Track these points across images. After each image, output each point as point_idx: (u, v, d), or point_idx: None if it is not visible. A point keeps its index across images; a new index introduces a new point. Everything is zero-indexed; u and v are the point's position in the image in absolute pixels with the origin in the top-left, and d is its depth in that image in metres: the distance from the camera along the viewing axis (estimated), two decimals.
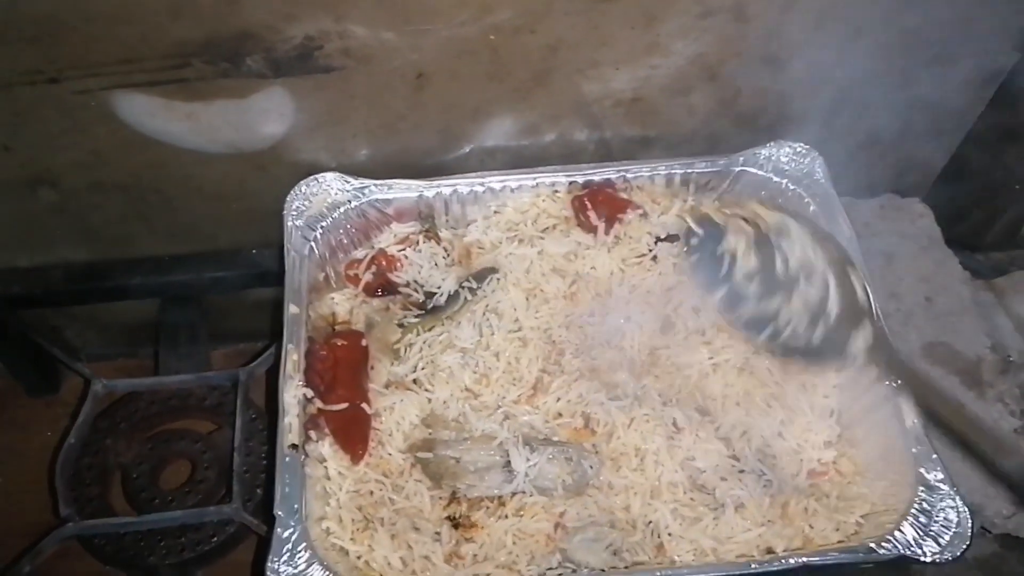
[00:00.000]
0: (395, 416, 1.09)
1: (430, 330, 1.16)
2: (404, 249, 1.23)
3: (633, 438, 1.06)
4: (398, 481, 1.05)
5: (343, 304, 1.21)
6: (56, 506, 1.19)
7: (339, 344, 1.10)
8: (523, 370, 1.13)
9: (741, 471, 1.05)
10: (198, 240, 1.32)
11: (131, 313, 1.41)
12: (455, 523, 1.03)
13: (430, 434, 1.07)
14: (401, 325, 1.16)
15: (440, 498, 1.05)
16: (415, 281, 1.21)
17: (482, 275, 1.20)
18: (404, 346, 1.14)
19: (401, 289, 1.20)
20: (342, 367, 1.08)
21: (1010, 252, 1.57)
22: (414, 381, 1.12)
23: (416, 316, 1.17)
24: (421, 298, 1.19)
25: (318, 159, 1.24)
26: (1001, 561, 1.26)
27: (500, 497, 1.04)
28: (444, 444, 1.06)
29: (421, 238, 1.24)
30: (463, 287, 1.18)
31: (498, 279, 1.19)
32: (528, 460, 1.04)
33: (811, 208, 1.21)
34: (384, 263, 1.22)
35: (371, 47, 1.09)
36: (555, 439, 1.07)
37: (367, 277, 1.21)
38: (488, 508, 1.04)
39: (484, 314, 1.17)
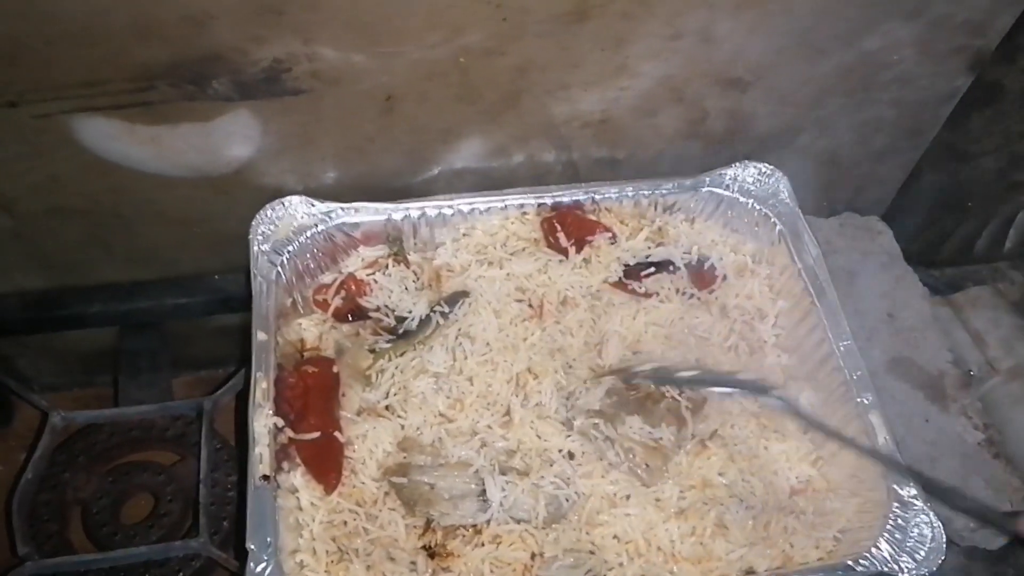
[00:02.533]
0: (368, 444, 1.07)
1: (402, 355, 1.14)
2: (373, 273, 1.21)
3: (610, 475, 1.06)
4: (372, 510, 1.03)
5: (311, 330, 1.18)
6: (13, 544, 1.14)
7: (309, 371, 1.08)
8: (496, 395, 1.12)
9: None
10: (159, 266, 1.29)
11: (88, 341, 1.37)
12: (431, 552, 1.01)
13: (405, 459, 1.06)
14: (372, 351, 1.14)
15: (415, 527, 1.03)
16: (385, 306, 1.19)
17: (453, 299, 1.19)
18: (376, 372, 1.13)
19: (371, 314, 1.19)
20: (313, 395, 1.06)
21: (964, 268, 1.61)
22: (387, 407, 1.10)
23: (388, 341, 1.15)
24: (392, 323, 1.17)
25: (284, 182, 1.22)
26: (968, 573, 1.28)
27: (476, 526, 1.03)
28: (419, 469, 1.05)
29: (390, 262, 1.22)
30: (434, 311, 1.17)
31: (470, 303, 1.18)
32: (503, 490, 1.03)
33: (777, 228, 1.22)
34: (353, 288, 1.20)
35: (340, 69, 1.08)
36: (531, 469, 1.06)
37: (336, 302, 1.19)
38: (464, 537, 1.02)
39: (456, 338, 1.15)
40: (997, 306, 1.46)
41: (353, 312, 1.19)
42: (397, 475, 1.04)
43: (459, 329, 1.16)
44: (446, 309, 1.17)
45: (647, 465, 1.05)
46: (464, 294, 1.19)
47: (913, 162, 1.48)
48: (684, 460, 1.06)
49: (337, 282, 1.20)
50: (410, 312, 1.18)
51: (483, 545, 1.01)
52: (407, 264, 1.23)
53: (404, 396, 1.11)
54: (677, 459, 1.06)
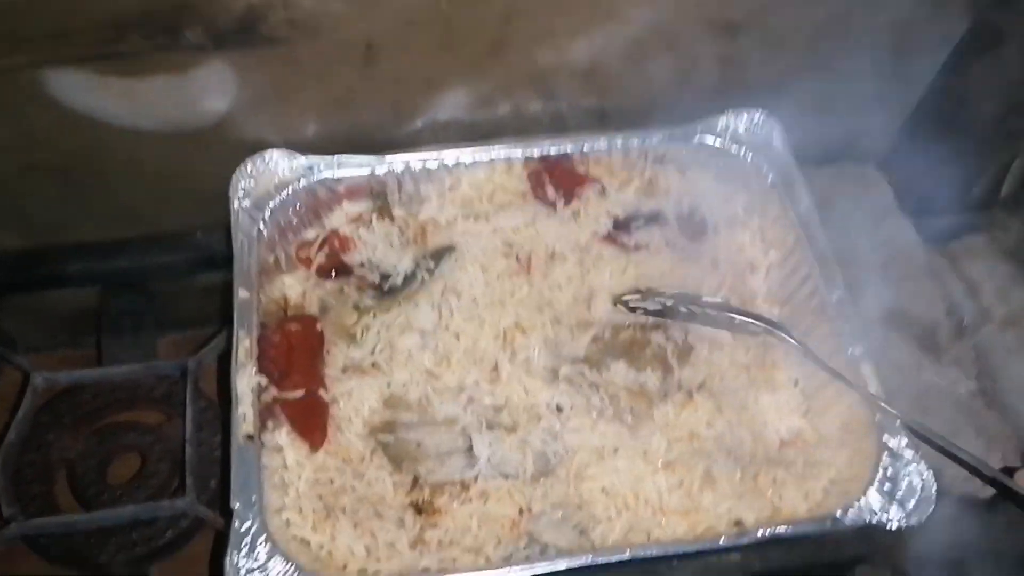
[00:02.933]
0: (353, 401, 1.06)
1: (387, 312, 1.12)
2: (357, 229, 1.19)
3: (598, 428, 1.05)
4: (359, 468, 1.03)
5: (295, 287, 1.17)
6: None
7: (293, 329, 1.07)
8: (483, 351, 1.10)
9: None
10: (140, 224, 1.26)
11: (71, 302, 1.34)
12: (418, 509, 1.00)
13: (391, 416, 1.04)
14: (357, 308, 1.12)
15: (402, 484, 1.02)
16: (370, 262, 1.17)
17: (439, 254, 1.17)
18: (361, 329, 1.11)
19: (356, 270, 1.17)
20: (297, 353, 1.05)
21: (960, 216, 1.58)
22: (372, 364, 1.09)
23: (372, 298, 1.13)
24: (377, 279, 1.16)
25: (264, 136, 1.19)
26: (958, 523, 1.28)
27: (463, 481, 1.02)
28: (405, 427, 1.04)
29: (374, 217, 1.20)
30: (420, 267, 1.15)
31: (455, 258, 1.16)
32: (490, 446, 1.02)
33: (769, 178, 1.20)
34: (337, 244, 1.18)
35: (317, 17, 1.04)
36: (518, 425, 1.05)
37: (320, 259, 1.17)
38: (452, 493, 1.01)
39: (442, 294, 1.14)
40: (992, 255, 1.45)
41: (337, 268, 1.17)
42: (384, 432, 1.04)
43: (445, 285, 1.15)
44: (432, 265, 1.16)
45: (632, 410, 1.04)
46: (450, 249, 1.17)
47: (909, 109, 1.45)
48: (671, 411, 1.05)
49: (320, 238, 1.18)
50: (395, 268, 1.16)
51: (471, 501, 1.00)
52: (392, 219, 1.20)
53: (390, 353, 1.10)
54: (664, 408, 1.05)
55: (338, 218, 1.20)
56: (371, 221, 1.20)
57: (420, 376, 1.08)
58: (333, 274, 1.16)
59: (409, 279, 1.15)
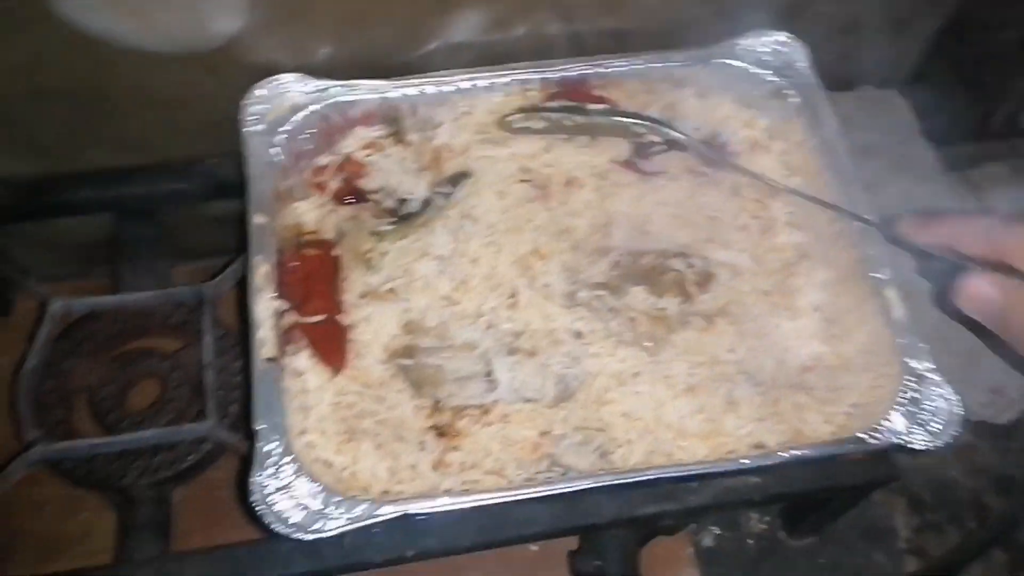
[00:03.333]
0: (372, 327, 1.05)
1: (404, 238, 1.11)
2: (371, 154, 1.17)
3: (618, 353, 1.04)
4: (379, 392, 1.03)
5: (309, 213, 1.15)
6: (18, 431, 1.13)
7: (310, 254, 1.06)
8: (501, 277, 1.09)
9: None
10: (151, 150, 1.24)
11: (83, 230, 1.33)
12: (439, 432, 1.01)
13: (411, 341, 1.04)
14: (374, 233, 1.11)
15: (422, 407, 1.02)
16: (385, 187, 1.16)
17: (455, 179, 1.15)
18: (377, 255, 1.10)
19: (371, 196, 1.15)
20: (314, 279, 1.04)
21: (982, 144, 1.56)
22: (390, 290, 1.08)
23: (389, 224, 1.12)
24: (392, 205, 1.14)
25: (276, 59, 1.16)
26: (975, 450, 1.29)
27: (483, 405, 1.02)
28: (425, 351, 1.03)
29: (389, 142, 1.18)
30: (436, 192, 1.14)
31: (472, 183, 1.15)
32: (511, 371, 1.02)
33: (793, 101, 1.17)
34: (351, 169, 1.16)
35: None
36: (538, 350, 1.04)
37: (335, 184, 1.15)
38: (472, 416, 1.01)
39: (459, 220, 1.13)
40: (1014, 183, 1.43)
41: (352, 194, 1.15)
42: (403, 357, 1.03)
43: (461, 211, 1.13)
44: (448, 190, 1.14)
45: (651, 335, 1.04)
46: (465, 175, 1.15)
47: (934, 32, 1.41)
48: (692, 336, 1.04)
49: (335, 164, 1.16)
50: (411, 194, 1.14)
51: (492, 424, 1.00)
52: (406, 144, 1.18)
53: (407, 280, 1.09)
54: (684, 334, 1.05)
55: (352, 143, 1.18)
56: (385, 147, 1.18)
57: (438, 302, 1.07)
58: (348, 200, 1.15)
59: (425, 205, 1.13)
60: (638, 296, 1.06)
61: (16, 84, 1.12)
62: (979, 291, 0.83)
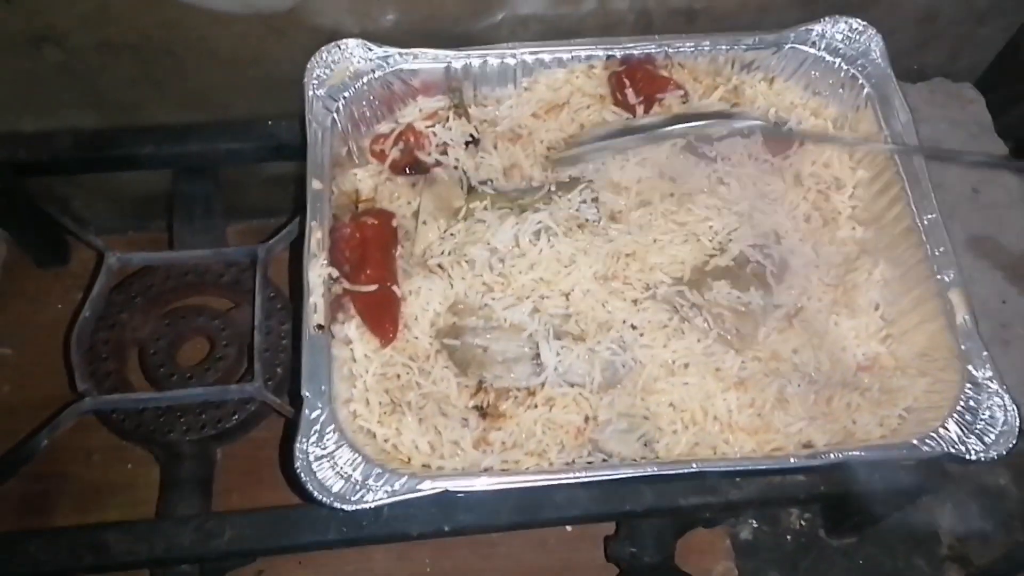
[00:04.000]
0: (421, 300, 1.05)
1: (498, 208, 1.09)
2: (432, 126, 1.16)
3: (670, 347, 1.02)
4: (424, 365, 1.02)
5: (367, 181, 1.15)
6: (71, 380, 1.16)
7: (368, 223, 1.05)
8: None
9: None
10: (212, 109, 1.25)
11: (141, 184, 1.35)
12: (482, 413, 1.00)
13: (457, 321, 1.03)
14: (472, 189, 1.11)
15: (467, 386, 1.02)
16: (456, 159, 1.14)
17: (571, 184, 1.12)
18: (466, 209, 1.09)
19: (434, 169, 1.14)
20: (371, 247, 1.03)
21: None
22: (439, 266, 1.07)
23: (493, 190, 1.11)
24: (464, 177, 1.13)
25: (341, 24, 1.15)
26: None
27: (529, 388, 1.01)
28: (472, 332, 1.02)
29: (450, 114, 1.16)
30: (549, 184, 1.12)
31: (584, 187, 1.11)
32: (558, 355, 1.01)
33: (865, 91, 1.14)
34: (412, 139, 1.15)
35: None
36: (587, 334, 1.03)
37: (394, 154, 1.14)
38: (516, 398, 1.01)
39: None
40: None
41: (411, 165, 1.14)
42: (450, 337, 1.03)
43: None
44: (566, 180, 1.13)
45: (737, 330, 1.01)
46: (579, 181, 1.12)
47: (1015, 26, 1.36)
48: (772, 335, 1.03)
49: (395, 132, 1.15)
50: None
51: (536, 407, 1.00)
52: (468, 118, 1.17)
53: (463, 258, 1.07)
54: (766, 329, 1.03)
55: (412, 113, 1.17)
56: (447, 119, 1.16)
57: (493, 279, 1.06)
58: (407, 170, 1.14)
59: (534, 190, 1.11)
60: (721, 291, 1.03)
61: (84, 36, 1.12)
62: None
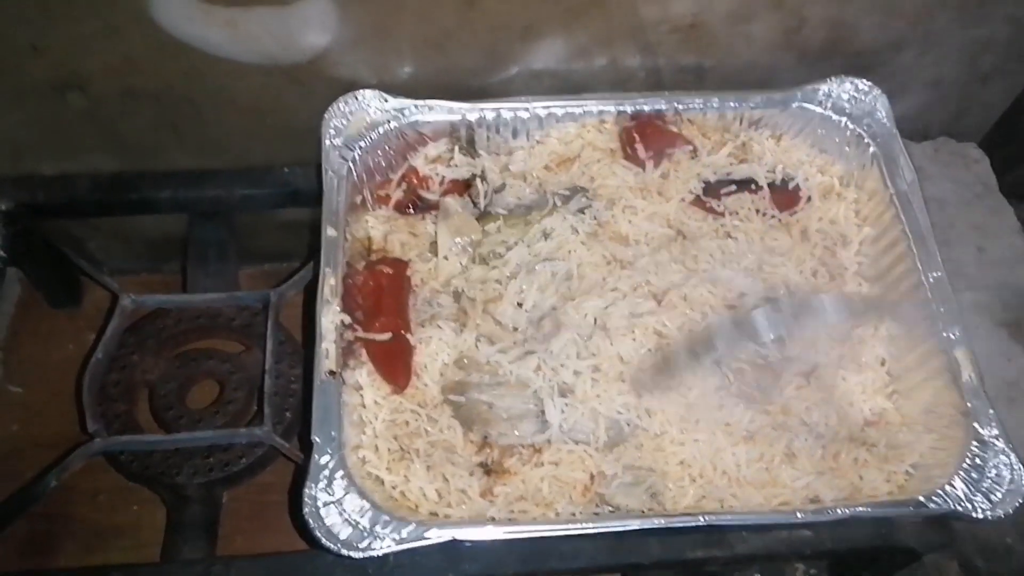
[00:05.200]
0: (432, 349, 1.06)
1: (511, 227, 1.12)
2: (436, 167, 1.18)
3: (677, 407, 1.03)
4: (433, 413, 1.03)
5: (378, 228, 1.17)
6: (82, 420, 1.16)
7: (384, 271, 1.07)
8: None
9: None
10: (230, 155, 1.27)
11: (156, 227, 1.37)
12: (487, 470, 1.00)
13: (463, 377, 1.04)
14: (486, 214, 1.14)
15: (472, 441, 1.02)
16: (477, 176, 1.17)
17: (573, 190, 1.15)
18: (483, 233, 1.12)
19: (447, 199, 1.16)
20: (386, 295, 1.05)
21: None
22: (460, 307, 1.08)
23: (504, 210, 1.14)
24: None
25: (358, 75, 1.18)
26: None
27: (534, 445, 1.01)
28: (477, 388, 1.03)
29: (456, 150, 1.18)
30: (552, 194, 1.15)
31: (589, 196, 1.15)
32: (563, 412, 1.01)
33: (870, 149, 1.16)
34: (415, 180, 1.17)
35: None
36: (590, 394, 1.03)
37: (397, 195, 1.16)
38: (522, 456, 1.00)
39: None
40: None
41: (414, 204, 1.16)
42: (455, 393, 1.03)
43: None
44: (566, 193, 1.15)
45: (759, 384, 1.02)
46: (582, 189, 1.15)
47: (1019, 88, 1.39)
48: (784, 389, 1.03)
49: (399, 175, 1.17)
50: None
51: (542, 465, 0.99)
52: (475, 156, 1.18)
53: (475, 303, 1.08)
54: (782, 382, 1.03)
55: (419, 159, 1.19)
56: (451, 157, 1.18)
57: (497, 333, 1.07)
58: (410, 209, 1.16)
59: (540, 202, 1.15)
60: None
61: (108, 84, 1.16)
62: None
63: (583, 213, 1.14)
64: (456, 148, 1.18)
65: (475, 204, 1.16)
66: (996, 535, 1.26)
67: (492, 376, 1.04)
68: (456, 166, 1.17)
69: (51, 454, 1.17)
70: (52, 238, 1.31)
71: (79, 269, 1.32)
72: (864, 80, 1.19)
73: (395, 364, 1.02)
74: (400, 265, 1.08)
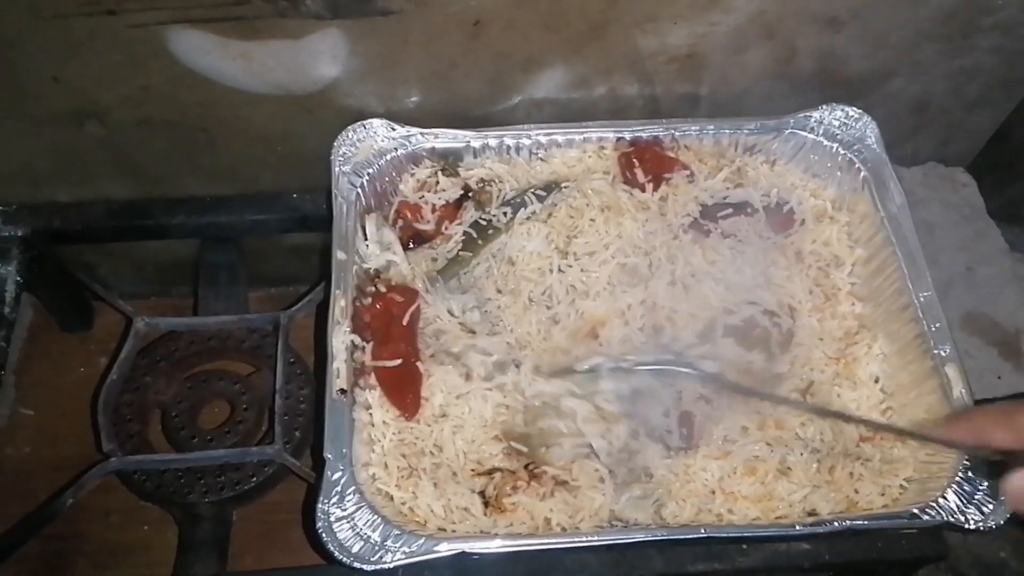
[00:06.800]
0: (440, 378, 1.07)
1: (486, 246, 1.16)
2: (423, 196, 1.21)
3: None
4: (439, 436, 1.04)
5: (379, 258, 1.19)
6: (96, 440, 1.19)
7: (395, 299, 1.09)
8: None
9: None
10: (241, 182, 1.31)
11: (167, 252, 1.41)
12: (485, 501, 1.01)
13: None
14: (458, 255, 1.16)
15: (473, 471, 1.03)
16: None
17: (548, 188, 1.19)
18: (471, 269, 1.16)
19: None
20: (396, 322, 1.07)
21: None
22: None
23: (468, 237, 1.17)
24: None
25: (367, 104, 1.22)
26: None
27: (539, 478, 1.02)
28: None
29: (439, 175, 1.21)
30: (528, 195, 1.18)
31: (564, 189, 1.19)
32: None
33: (861, 174, 1.20)
34: (408, 214, 1.20)
35: None
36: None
37: (396, 233, 1.19)
38: (522, 488, 1.01)
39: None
40: None
41: (414, 239, 1.19)
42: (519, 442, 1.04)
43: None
44: (542, 194, 1.18)
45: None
46: (558, 185, 1.19)
47: (1005, 114, 1.43)
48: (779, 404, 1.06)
49: (392, 210, 1.20)
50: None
51: (544, 500, 1.01)
52: (456, 175, 1.21)
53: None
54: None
55: (407, 187, 1.21)
56: (437, 182, 1.21)
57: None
58: (411, 244, 1.18)
59: (517, 206, 1.18)
60: (728, 347, 1.08)
61: (125, 114, 1.19)
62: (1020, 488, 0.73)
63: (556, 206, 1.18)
64: (439, 172, 1.21)
65: (484, 210, 1.19)
66: (990, 549, 1.29)
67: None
68: (443, 190, 1.21)
69: (64, 475, 1.19)
70: (66, 263, 1.34)
71: (93, 293, 1.35)
72: (854, 107, 1.23)
73: (404, 391, 1.04)
74: (411, 293, 1.11)
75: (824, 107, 1.23)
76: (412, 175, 1.21)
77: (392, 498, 1.00)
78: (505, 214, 1.18)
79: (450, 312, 1.12)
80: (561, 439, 1.03)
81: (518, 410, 1.06)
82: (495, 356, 1.08)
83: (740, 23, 1.18)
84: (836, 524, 0.94)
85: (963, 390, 1.01)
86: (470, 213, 1.20)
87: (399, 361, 1.05)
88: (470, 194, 1.21)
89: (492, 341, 1.10)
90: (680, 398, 1.05)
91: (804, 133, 1.23)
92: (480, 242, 1.17)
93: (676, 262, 1.15)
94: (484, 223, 1.18)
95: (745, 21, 1.17)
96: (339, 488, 0.94)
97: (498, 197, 1.20)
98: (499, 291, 1.15)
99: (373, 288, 1.11)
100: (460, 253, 1.17)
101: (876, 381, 1.11)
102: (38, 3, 1.02)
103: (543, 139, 1.22)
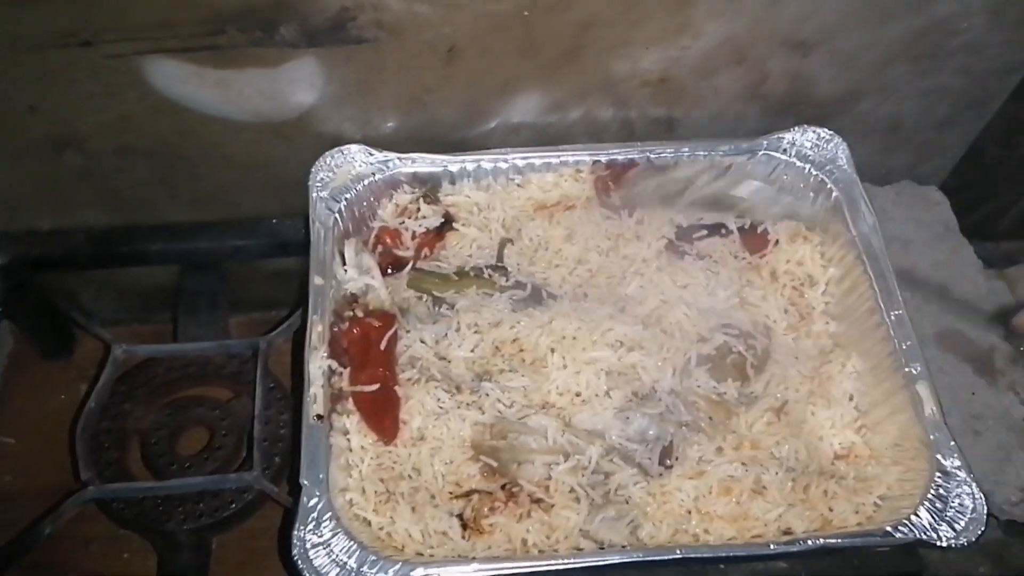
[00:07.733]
0: (417, 403, 1.07)
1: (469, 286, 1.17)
2: (403, 221, 1.22)
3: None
4: (417, 460, 1.05)
5: (358, 282, 1.19)
6: (75, 469, 1.19)
7: (374, 324, 1.09)
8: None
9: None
10: (220, 208, 1.32)
11: (147, 279, 1.41)
12: (463, 523, 1.01)
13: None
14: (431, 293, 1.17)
15: (451, 494, 1.04)
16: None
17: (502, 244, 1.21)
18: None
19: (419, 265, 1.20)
20: (374, 347, 1.08)
21: (1020, 242, 1.58)
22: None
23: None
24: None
25: (343, 130, 1.23)
26: (1005, 547, 1.28)
27: (516, 497, 1.02)
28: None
29: (420, 202, 1.22)
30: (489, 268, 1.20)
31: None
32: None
33: (833, 195, 1.22)
34: (388, 240, 1.21)
35: (404, 19, 1.08)
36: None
37: (375, 258, 1.19)
38: (499, 509, 1.01)
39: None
40: None
41: (392, 264, 1.19)
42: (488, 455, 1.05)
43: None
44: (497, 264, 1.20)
45: (711, 419, 1.06)
46: (510, 240, 1.21)
47: (975, 133, 1.45)
48: (755, 424, 1.07)
49: (372, 235, 1.21)
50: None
51: (520, 521, 1.01)
52: (437, 203, 1.23)
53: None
54: (744, 416, 1.07)
55: (387, 207, 1.22)
56: (418, 208, 1.21)
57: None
58: (390, 270, 1.19)
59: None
60: (700, 379, 1.09)
61: (103, 142, 1.20)
62: None
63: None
64: (420, 199, 1.22)
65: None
66: (968, 565, 1.29)
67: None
68: (424, 217, 1.22)
69: (44, 503, 1.19)
70: (46, 291, 1.35)
71: (72, 321, 1.35)
72: (826, 129, 1.25)
73: (382, 416, 1.04)
74: (389, 317, 1.11)
75: (796, 129, 1.25)
76: (391, 200, 1.23)
77: (370, 523, 1.00)
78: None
79: (422, 341, 1.12)
80: (532, 455, 1.04)
81: (488, 423, 1.06)
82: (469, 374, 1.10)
83: (710, 47, 1.19)
84: (810, 542, 0.94)
85: (934, 408, 1.02)
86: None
87: (377, 386, 1.05)
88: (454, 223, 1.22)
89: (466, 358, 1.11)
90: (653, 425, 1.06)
91: (777, 154, 1.25)
92: (456, 278, 1.18)
93: (648, 291, 1.17)
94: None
95: (715, 45, 1.19)
96: (315, 514, 0.95)
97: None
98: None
99: (351, 313, 1.12)
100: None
101: (851, 399, 1.11)
102: (15, 34, 1.03)
103: (520, 163, 1.24)
